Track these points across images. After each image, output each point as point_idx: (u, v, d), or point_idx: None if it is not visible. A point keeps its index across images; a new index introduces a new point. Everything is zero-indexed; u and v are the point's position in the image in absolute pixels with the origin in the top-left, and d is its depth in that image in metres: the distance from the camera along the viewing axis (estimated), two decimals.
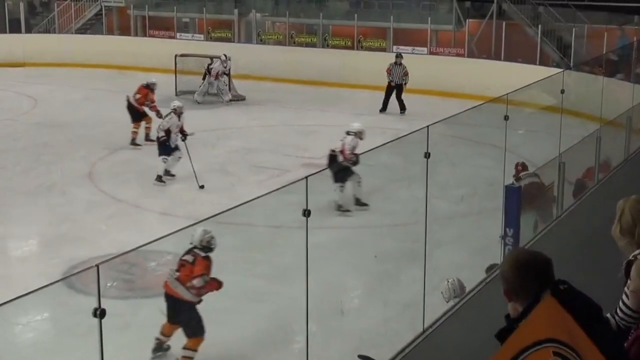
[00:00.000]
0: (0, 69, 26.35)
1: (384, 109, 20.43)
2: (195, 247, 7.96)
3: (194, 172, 14.18)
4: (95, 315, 4.93)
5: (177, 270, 7.95)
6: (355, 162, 12.44)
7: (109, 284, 8.73)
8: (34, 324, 8.95)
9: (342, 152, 13.19)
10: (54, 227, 12.16)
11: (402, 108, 20.32)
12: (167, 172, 14.50)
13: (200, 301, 7.99)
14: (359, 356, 7.47)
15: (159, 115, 16.52)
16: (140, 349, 7.12)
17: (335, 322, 8.67)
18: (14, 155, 16.31)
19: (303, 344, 6.98)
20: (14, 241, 12.13)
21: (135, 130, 17.10)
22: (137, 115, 17.21)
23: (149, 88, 17.33)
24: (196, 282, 7.85)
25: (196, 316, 7.96)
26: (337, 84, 23.49)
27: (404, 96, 20.44)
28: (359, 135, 13.35)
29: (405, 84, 20.42)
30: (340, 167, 12.51)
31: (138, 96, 17.26)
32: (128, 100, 17.22)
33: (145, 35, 28.16)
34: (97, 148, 16.73)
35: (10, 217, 12.70)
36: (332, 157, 13.12)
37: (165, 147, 14.53)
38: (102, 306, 4.93)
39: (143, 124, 17.21)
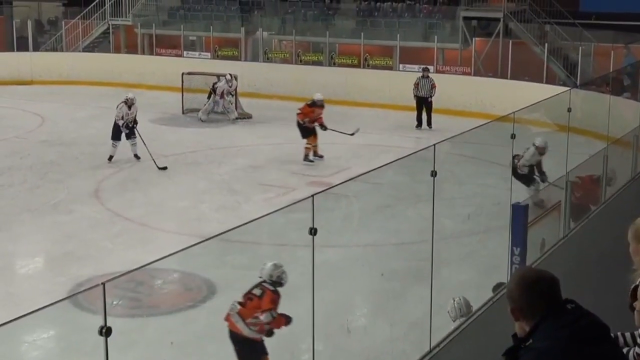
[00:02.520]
0: (8, 87, 26.45)
1: (419, 125, 20.45)
2: (264, 282, 7.69)
3: (151, 155, 16.20)
4: (101, 333, 4.92)
5: (242, 304, 7.63)
6: None
7: (115, 302, 8.73)
8: (40, 342, 8.94)
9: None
10: (60, 245, 12.16)
11: (430, 123, 20.40)
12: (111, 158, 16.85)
13: (261, 340, 7.70)
14: None
15: (323, 128, 17.04)
16: None
17: (342, 341, 8.64)
18: (20, 172, 16.34)
19: None
20: (20, 259, 12.14)
21: (308, 146, 16.99)
22: (306, 132, 17.13)
23: (314, 105, 17.25)
24: (263, 317, 7.59)
25: (255, 355, 7.71)
26: (344, 102, 23.49)
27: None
28: None
29: (432, 96, 20.47)
30: None
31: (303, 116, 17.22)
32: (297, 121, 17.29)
33: (152, 54, 28.25)
34: (104, 166, 16.74)
35: (17, 234, 12.72)
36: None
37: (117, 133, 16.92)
38: (108, 324, 4.92)
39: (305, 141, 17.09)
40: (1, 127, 20.74)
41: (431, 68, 22.48)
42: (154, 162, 16.12)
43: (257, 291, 7.63)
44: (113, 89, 25.89)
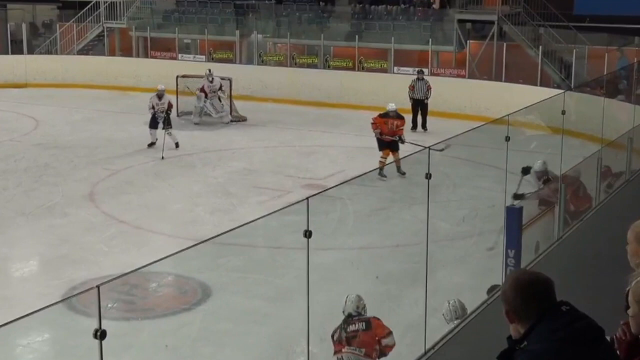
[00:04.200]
0: (3, 90, 26.44)
1: (414, 127, 20.47)
2: (351, 316, 7.45)
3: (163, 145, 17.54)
4: (95, 336, 4.91)
5: (352, 346, 7.26)
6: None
7: (109, 305, 8.71)
8: (34, 345, 8.93)
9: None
10: (55, 248, 12.15)
11: (424, 126, 20.42)
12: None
13: None
14: None
15: (401, 141, 16.19)
16: None
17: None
18: (15, 176, 16.31)
19: None
20: (15, 262, 12.11)
21: (381, 159, 15.85)
22: (380, 144, 16.29)
23: (387, 116, 16.37)
24: (389, 340, 7.43)
25: None
26: (339, 105, 23.52)
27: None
28: None
29: (428, 98, 20.50)
30: None
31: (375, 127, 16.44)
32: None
33: (147, 56, 28.24)
34: (99, 169, 16.74)
35: (11, 238, 12.70)
36: None
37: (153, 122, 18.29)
38: (103, 327, 4.92)
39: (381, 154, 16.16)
40: None
41: (426, 71, 22.49)
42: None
43: (357, 326, 7.29)
44: (108, 92, 25.92)
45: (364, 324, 7.32)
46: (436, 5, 25.77)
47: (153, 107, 18.42)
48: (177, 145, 18.39)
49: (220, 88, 21.53)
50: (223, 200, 14.62)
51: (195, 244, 7.70)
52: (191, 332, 7.54)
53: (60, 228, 13.07)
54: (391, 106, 16.21)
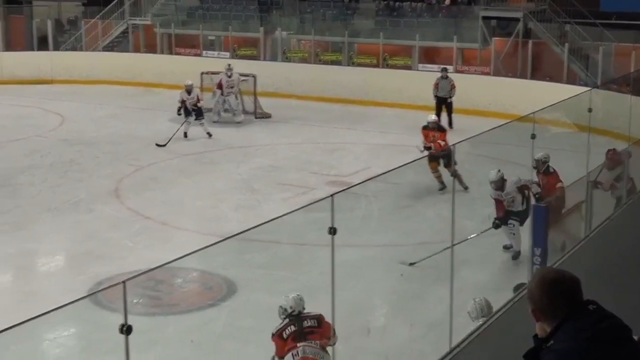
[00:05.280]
0: (29, 86, 26.62)
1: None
2: (301, 313, 7.31)
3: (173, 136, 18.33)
4: (121, 331, 4.94)
5: (309, 340, 7.13)
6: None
7: (135, 301, 8.76)
8: (60, 340, 8.99)
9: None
10: (80, 244, 12.22)
11: (450, 124, 20.29)
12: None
13: None
14: None
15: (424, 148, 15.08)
16: None
17: (361, 341, 8.63)
18: (41, 171, 16.43)
19: None
20: (41, 257, 12.20)
21: (433, 173, 14.60)
22: (430, 157, 14.85)
23: (426, 128, 15.26)
24: (334, 340, 7.32)
25: None
26: (363, 102, 23.50)
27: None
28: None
29: (452, 97, 20.38)
30: None
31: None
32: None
33: (171, 53, 28.33)
34: (124, 165, 16.82)
35: (37, 233, 12.79)
36: None
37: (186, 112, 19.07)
38: (129, 322, 4.94)
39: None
40: (22, 126, 20.87)
41: (450, 68, 22.42)
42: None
43: (310, 322, 7.21)
44: (132, 89, 26.03)
45: (315, 320, 7.28)
46: (447, 1, 25.70)
47: (183, 101, 19.13)
48: (209, 135, 19.25)
49: (238, 85, 21.48)
50: (247, 196, 14.65)
51: (220, 240, 7.72)
52: (216, 328, 7.56)
53: (86, 224, 13.14)
54: (429, 118, 15.58)
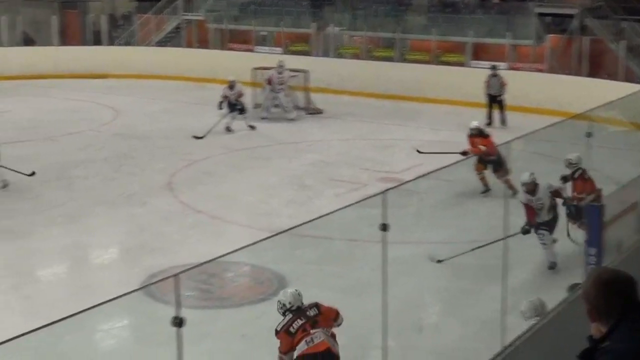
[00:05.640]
0: (83, 80, 26.98)
1: (489, 122, 20.21)
2: (300, 308, 7.25)
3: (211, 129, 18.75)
4: (174, 324, 4.97)
5: (317, 328, 7.11)
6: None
7: (187, 294, 8.81)
8: (114, 331, 9.09)
9: None
10: (134, 237, 12.34)
11: (503, 121, 20.09)
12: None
13: None
14: None
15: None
16: (217, 359, 7.15)
17: (413, 338, 8.59)
18: (95, 165, 16.62)
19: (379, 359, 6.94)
20: (95, 250, 12.35)
21: (478, 175, 14.27)
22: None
23: (471, 136, 14.71)
24: (340, 320, 7.36)
25: None
26: (415, 98, 23.38)
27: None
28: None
29: (502, 94, 20.17)
30: None
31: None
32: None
33: (223, 49, 28.48)
34: (176, 159, 16.94)
35: (91, 226, 12.94)
36: None
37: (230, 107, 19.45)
38: (181, 315, 4.97)
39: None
40: (76, 120, 21.14)
41: (504, 65, 22.21)
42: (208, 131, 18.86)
43: (312, 312, 7.23)
44: (185, 84, 26.23)
45: (315, 308, 7.26)
46: None
47: (226, 97, 19.46)
48: (252, 127, 19.68)
49: (287, 82, 21.46)
50: (299, 192, 14.66)
51: (272, 235, 7.76)
52: (267, 322, 7.56)
53: (139, 217, 13.27)
54: (471, 125, 15.02)
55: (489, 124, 20.20)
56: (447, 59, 24.94)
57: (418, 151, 15.44)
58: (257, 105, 21.91)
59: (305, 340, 7.03)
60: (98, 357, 8.62)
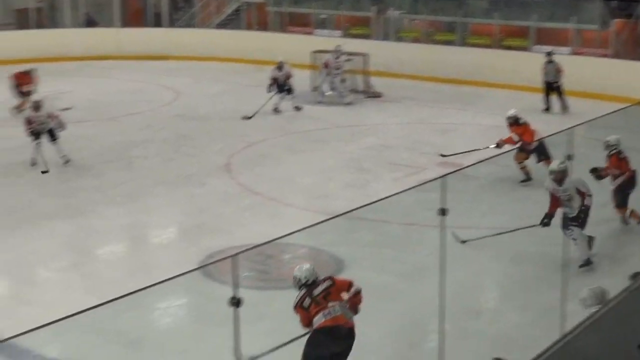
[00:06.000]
0: (144, 62, 27.25)
1: (546, 108, 19.93)
2: (315, 282, 7.25)
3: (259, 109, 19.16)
4: (231, 304, 4.98)
5: (332, 301, 7.11)
6: None
7: (244, 274, 8.84)
8: (171, 310, 9.17)
9: None
10: (192, 217, 12.43)
11: (564, 107, 19.78)
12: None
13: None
14: (495, 359, 7.34)
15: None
16: (274, 340, 7.16)
17: (470, 323, 8.52)
18: (155, 145, 16.78)
19: (436, 344, 6.90)
20: (154, 229, 12.47)
21: (518, 164, 13.83)
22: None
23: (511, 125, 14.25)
24: (356, 286, 7.28)
25: None
26: (475, 83, 23.14)
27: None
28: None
29: (558, 81, 19.83)
30: None
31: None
32: None
33: (282, 32, 28.49)
34: (235, 141, 17.02)
35: (150, 206, 13.07)
36: None
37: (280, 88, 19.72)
38: (238, 296, 4.98)
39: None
40: (137, 101, 21.37)
41: (567, 50, 21.82)
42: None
43: (325, 285, 7.21)
44: (244, 66, 26.34)
45: (328, 281, 7.25)
46: None
47: (274, 78, 19.69)
48: (298, 108, 19.94)
49: (343, 67, 21.31)
50: (356, 175, 14.62)
51: (330, 218, 7.76)
52: None
53: (198, 198, 13.36)
54: (508, 113, 14.48)
55: (547, 109, 19.92)
56: (509, 44, 24.60)
57: (442, 155, 15.00)
58: (315, 88, 21.89)
59: (323, 313, 7.09)
60: (155, 334, 8.70)
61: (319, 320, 7.05)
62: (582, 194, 9.99)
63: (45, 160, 14.60)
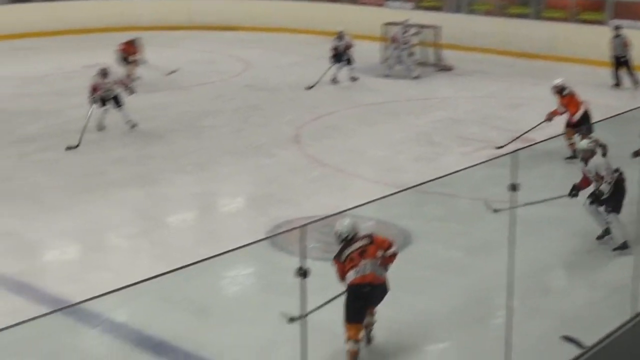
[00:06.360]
0: (215, 32, 27.42)
1: (616, 84, 19.51)
2: (354, 237, 7.44)
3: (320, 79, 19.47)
4: (298, 274, 4.99)
5: (367, 259, 7.27)
6: None
7: (311, 245, 8.85)
8: (239, 279, 9.24)
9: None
10: (261, 187, 12.50)
11: (635, 82, 19.34)
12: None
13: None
14: (563, 337, 7.24)
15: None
16: (339, 311, 7.19)
17: (538, 300, 8.42)
18: (225, 115, 16.89)
19: (503, 320, 6.83)
20: (223, 198, 12.57)
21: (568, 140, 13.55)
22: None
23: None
24: (395, 248, 7.51)
25: None
26: (549, 57, 22.74)
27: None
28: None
29: (625, 55, 19.36)
30: None
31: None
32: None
33: (353, 3, 28.32)
34: (304, 112, 17.03)
35: (220, 175, 13.17)
36: None
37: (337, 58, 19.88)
38: (305, 267, 4.99)
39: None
40: (208, 71, 21.52)
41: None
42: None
43: (363, 242, 7.37)
44: (314, 37, 26.28)
45: (368, 238, 7.41)
46: None
47: (335, 48, 19.80)
48: (354, 79, 20.05)
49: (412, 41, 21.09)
50: (426, 148, 14.51)
51: (399, 191, 7.70)
52: (391, 276, 7.54)
53: (266, 168, 13.42)
54: (555, 81, 14.15)
55: (617, 84, 19.49)
56: (585, 17, 24.06)
57: (497, 147, 14.36)
58: (385, 61, 21.76)
59: (355, 270, 7.23)
60: (223, 302, 8.79)
61: (350, 277, 7.24)
62: (601, 178, 9.73)
63: (104, 125, 15.28)
